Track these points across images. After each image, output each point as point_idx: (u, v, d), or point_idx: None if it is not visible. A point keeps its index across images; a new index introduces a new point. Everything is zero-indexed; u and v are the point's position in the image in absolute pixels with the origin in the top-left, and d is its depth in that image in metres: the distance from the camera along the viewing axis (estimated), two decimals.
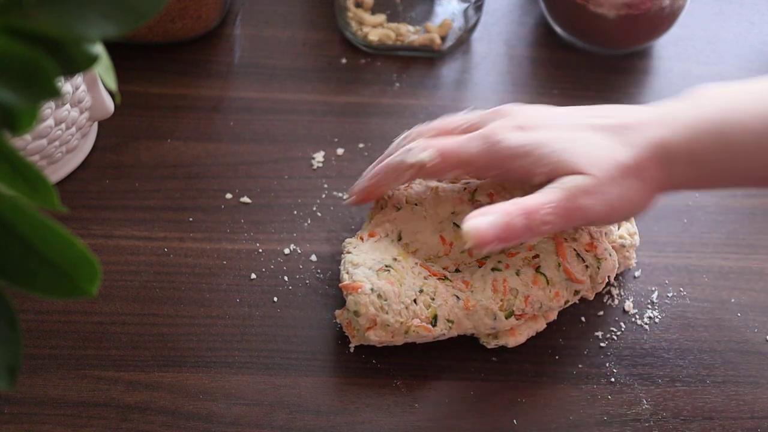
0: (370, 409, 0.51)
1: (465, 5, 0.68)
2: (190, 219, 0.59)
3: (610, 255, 0.52)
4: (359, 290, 0.50)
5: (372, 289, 0.50)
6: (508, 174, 0.51)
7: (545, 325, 0.54)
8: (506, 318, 0.51)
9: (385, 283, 0.50)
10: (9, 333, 0.30)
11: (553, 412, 0.52)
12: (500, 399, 0.52)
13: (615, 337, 0.55)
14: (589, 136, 0.49)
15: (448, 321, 0.51)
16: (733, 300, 0.58)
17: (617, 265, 0.53)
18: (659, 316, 0.56)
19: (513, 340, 0.53)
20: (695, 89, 0.51)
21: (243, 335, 0.54)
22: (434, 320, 0.51)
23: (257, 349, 0.53)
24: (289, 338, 0.54)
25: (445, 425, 0.51)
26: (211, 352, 0.53)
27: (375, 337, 0.50)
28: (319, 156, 0.62)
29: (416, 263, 0.52)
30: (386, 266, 0.51)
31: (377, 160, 0.55)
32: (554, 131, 0.50)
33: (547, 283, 0.51)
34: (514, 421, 0.51)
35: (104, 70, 0.35)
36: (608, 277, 0.53)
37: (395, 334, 0.50)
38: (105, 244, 0.57)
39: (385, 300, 0.50)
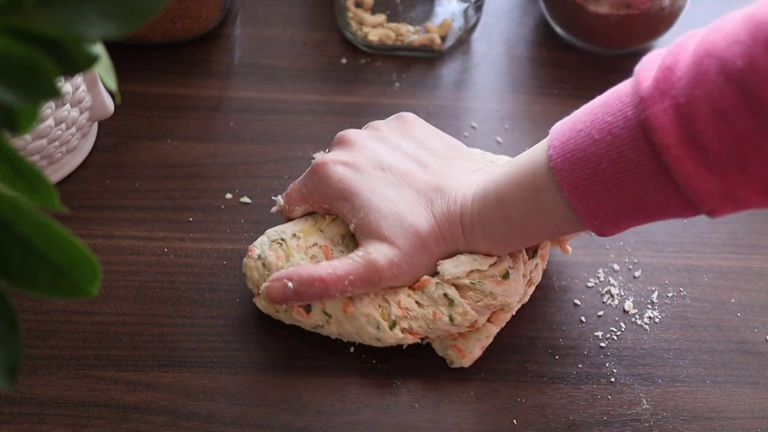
0: (370, 409, 0.51)
1: (465, 5, 0.68)
2: (190, 219, 0.59)
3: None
4: (249, 254, 0.52)
5: (259, 256, 0.52)
6: (335, 210, 0.53)
7: (490, 340, 0.53)
8: (390, 328, 0.50)
9: (273, 255, 0.52)
10: (9, 333, 0.30)
11: (553, 412, 0.52)
12: (500, 399, 0.52)
13: (615, 337, 0.55)
14: (407, 197, 0.51)
15: (326, 314, 0.51)
16: (733, 300, 0.58)
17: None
18: (659, 317, 0.56)
19: (464, 360, 0.52)
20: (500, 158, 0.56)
21: (243, 335, 0.54)
22: (308, 307, 0.51)
23: (257, 349, 0.53)
24: (289, 338, 0.54)
25: (445, 425, 0.51)
26: (211, 352, 0.53)
27: (260, 307, 0.52)
28: (319, 156, 0.62)
29: (317, 244, 0.53)
30: (281, 239, 0.52)
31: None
32: (377, 183, 0.52)
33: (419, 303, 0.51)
34: (514, 421, 0.51)
35: (104, 70, 0.35)
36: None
37: (278, 310, 0.52)
38: (105, 244, 0.57)
39: (267, 271, 0.51)
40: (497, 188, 0.49)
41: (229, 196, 0.60)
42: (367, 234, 0.51)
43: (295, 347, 0.53)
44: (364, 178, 0.52)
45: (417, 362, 0.53)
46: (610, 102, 0.46)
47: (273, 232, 0.53)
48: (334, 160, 0.53)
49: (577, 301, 0.57)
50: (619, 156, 0.44)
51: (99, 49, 0.30)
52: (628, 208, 0.45)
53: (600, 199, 0.45)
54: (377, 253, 0.50)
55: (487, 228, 0.50)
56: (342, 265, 0.50)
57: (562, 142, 0.47)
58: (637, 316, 0.56)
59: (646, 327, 0.56)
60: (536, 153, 0.48)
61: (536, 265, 0.54)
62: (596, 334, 0.55)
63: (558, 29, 0.71)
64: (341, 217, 0.53)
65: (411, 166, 0.53)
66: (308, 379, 0.52)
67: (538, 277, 0.55)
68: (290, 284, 0.49)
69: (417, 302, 0.51)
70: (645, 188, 0.44)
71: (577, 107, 0.66)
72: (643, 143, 0.43)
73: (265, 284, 0.50)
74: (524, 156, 0.50)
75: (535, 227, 0.49)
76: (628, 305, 0.56)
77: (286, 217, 0.55)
